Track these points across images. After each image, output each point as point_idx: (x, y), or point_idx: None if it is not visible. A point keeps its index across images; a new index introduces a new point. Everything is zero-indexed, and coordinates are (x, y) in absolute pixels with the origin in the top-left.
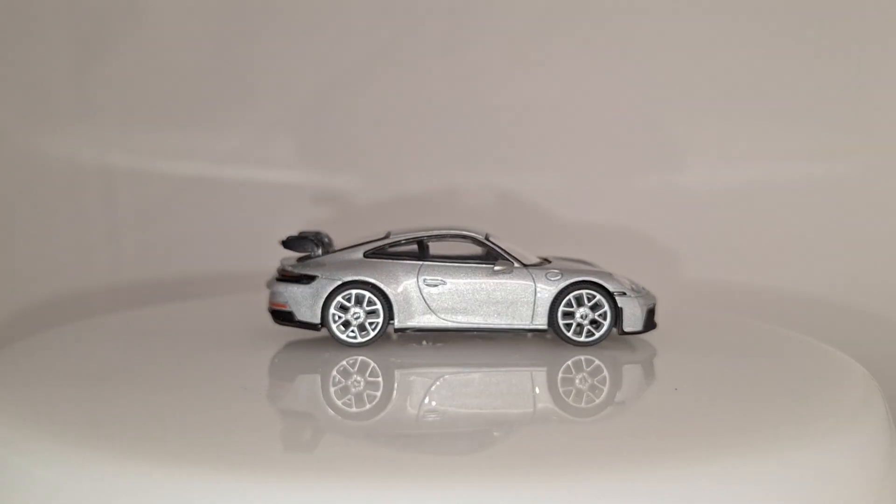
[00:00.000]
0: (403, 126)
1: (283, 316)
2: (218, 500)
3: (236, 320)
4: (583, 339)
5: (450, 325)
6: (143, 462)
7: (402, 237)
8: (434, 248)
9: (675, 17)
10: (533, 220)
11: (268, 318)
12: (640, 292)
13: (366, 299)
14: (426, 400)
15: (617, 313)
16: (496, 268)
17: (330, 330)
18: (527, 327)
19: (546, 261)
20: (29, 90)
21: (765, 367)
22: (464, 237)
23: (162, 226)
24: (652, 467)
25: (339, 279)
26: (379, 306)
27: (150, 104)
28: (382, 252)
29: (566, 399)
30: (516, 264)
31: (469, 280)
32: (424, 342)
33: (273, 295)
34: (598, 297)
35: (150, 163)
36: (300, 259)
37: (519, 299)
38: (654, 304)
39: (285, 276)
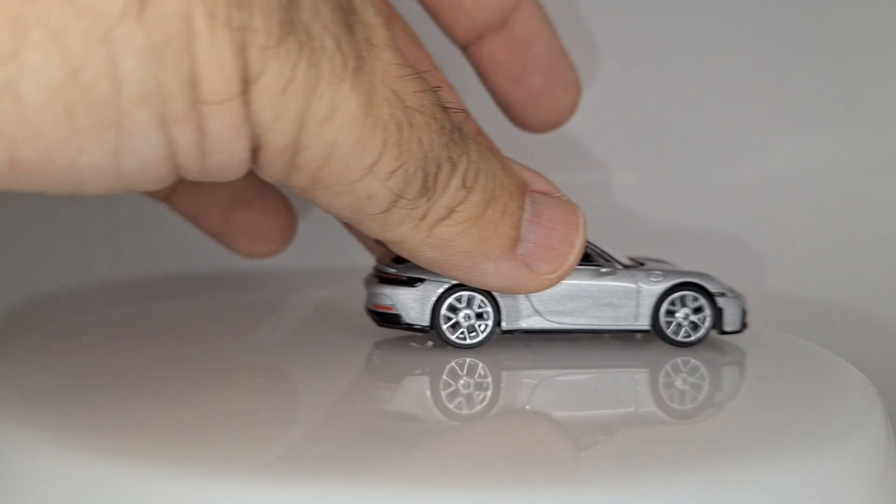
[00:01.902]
0: None
1: (388, 318)
2: (219, 500)
3: (237, 318)
4: (681, 338)
5: (556, 326)
6: (143, 461)
7: None
8: None
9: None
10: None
11: (268, 316)
12: (735, 293)
13: (475, 302)
14: (531, 401)
15: (717, 314)
16: (602, 270)
17: (440, 332)
18: (630, 328)
19: (638, 262)
20: None
21: (762, 372)
22: None
23: (162, 224)
24: (650, 473)
25: (448, 282)
26: (489, 308)
27: None
28: None
29: (668, 402)
30: (619, 266)
31: (575, 282)
32: (430, 343)
33: (376, 297)
34: (701, 298)
35: None
36: (395, 259)
37: (623, 300)
38: (746, 305)
39: (389, 279)
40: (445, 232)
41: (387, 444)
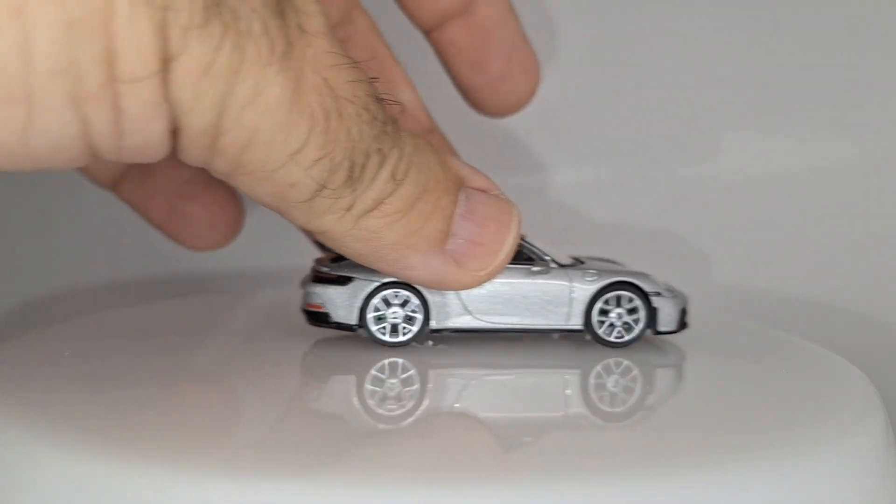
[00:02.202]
0: None
1: (318, 317)
2: (219, 498)
3: (237, 317)
4: (613, 338)
5: (486, 325)
6: (143, 461)
7: None
8: None
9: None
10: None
11: (267, 314)
12: (674, 292)
13: (404, 300)
14: (456, 403)
15: (652, 314)
16: (533, 268)
17: (368, 330)
18: (563, 327)
19: (579, 261)
20: None
21: (761, 370)
22: None
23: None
24: (651, 472)
25: (378, 280)
26: (418, 307)
27: None
28: None
29: (598, 403)
30: (553, 265)
31: (506, 280)
32: (430, 343)
33: (308, 296)
34: (635, 297)
35: None
36: (334, 260)
37: (555, 300)
38: (686, 304)
39: (321, 278)
40: (372, 224)
41: (310, 444)
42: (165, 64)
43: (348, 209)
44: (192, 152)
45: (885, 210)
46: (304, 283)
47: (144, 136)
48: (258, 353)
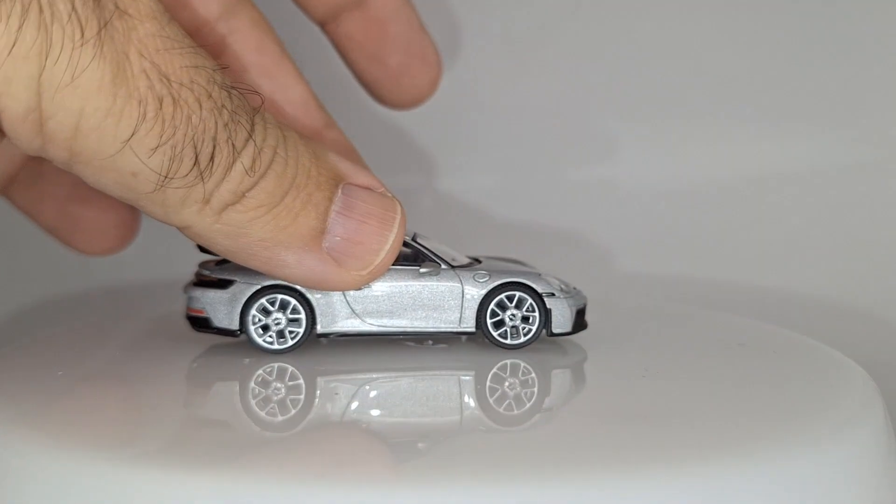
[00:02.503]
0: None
1: (200, 322)
2: (213, 500)
3: None
4: (509, 341)
5: (375, 329)
6: (142, 462)
7: None
8: None
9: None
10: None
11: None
12: (569, 293)
13: (287, 304)
14: (350, 407)
15: (546, 314)
16: (422, 270)
17: (249, 336)
18: (454, 330)
19: (477, 261)
20: None
21: (762, 367)
22: None
23: (161, 226)
24: (653, 470)
25: (258, 283)
26: (300, 311)
27: None
28: None
29: (495, 406)
30: (443, 265)
31: (394, 283)
32: (430, 342)
33: (189, 300)
34: (528, 298)
35: None
36: (219, 263)
37: (446, 302)
38: (585, 305)
39: (203, 281)
40: (236, 218)
41: (194, 453)
42: None
43: (206, 202)
44: (22, 138)
45: (885, 208)
46: (186, 288)
47: None
48: (255, 353)
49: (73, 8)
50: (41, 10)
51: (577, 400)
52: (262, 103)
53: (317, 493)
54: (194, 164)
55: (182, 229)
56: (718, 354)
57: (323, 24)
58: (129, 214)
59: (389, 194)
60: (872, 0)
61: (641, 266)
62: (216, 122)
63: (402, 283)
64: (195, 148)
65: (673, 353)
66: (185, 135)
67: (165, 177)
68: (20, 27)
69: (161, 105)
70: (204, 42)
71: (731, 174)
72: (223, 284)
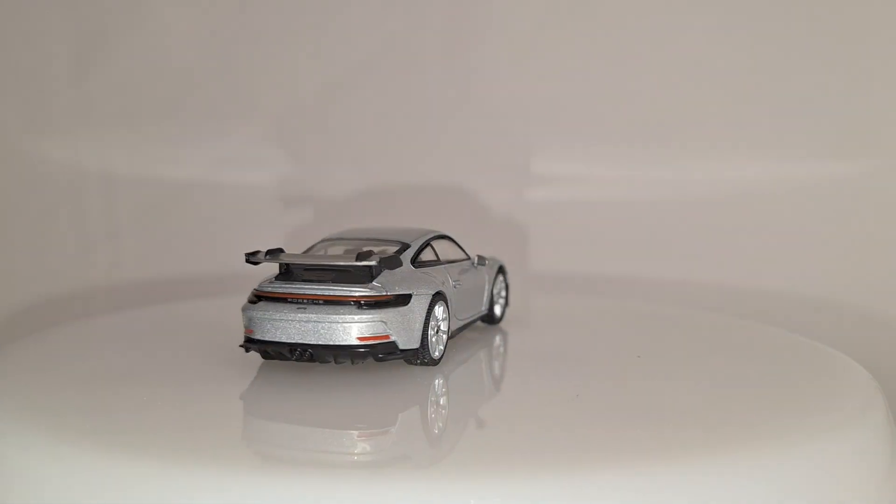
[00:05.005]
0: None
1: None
2: (214, 497)
3: (235, 320)
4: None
5: (461, 324)
6: (141, 461)
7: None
8: None
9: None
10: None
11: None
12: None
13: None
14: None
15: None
16: (476, 263)
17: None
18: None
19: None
20: (30, 93)
21: (766, 368)
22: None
23: (161, 227)
24: (653, 470)
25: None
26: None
27: (150, 107)
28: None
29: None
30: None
31: (466, 277)
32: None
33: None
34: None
35: (149, 165)
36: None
37: (479, 290)
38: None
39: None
40: None
41: (194, 453)
42: None
43: None
44: None
45: (885, 208)
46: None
47: None
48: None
49: None
50: None
51: (577, 400)
52: None
53: (317, 492)
54: None
55: None
56: (720, 355)
57: None
58: None
59: None
60: (864, 12)
61: (642, 268)
62: None
63: (468, 278)
64: None
65: (673, 354)
66: None
67: None
68: None
69: None
70: None
71: (732, 185)
72: (403, 300)
